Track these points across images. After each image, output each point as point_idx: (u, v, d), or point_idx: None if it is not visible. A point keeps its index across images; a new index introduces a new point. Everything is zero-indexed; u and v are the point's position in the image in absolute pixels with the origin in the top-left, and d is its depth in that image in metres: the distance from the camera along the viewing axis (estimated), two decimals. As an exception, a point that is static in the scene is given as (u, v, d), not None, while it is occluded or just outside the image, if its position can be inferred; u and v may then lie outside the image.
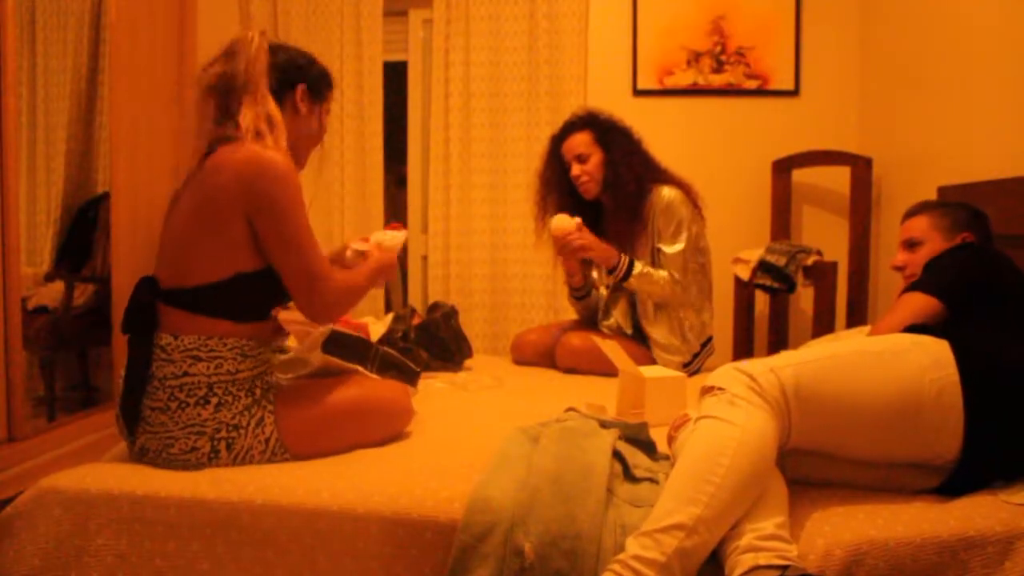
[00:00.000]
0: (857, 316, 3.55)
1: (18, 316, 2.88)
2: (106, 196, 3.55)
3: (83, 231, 3.54)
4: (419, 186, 4.27)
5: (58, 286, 3.40)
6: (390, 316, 3.20)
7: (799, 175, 3.87)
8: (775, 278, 3.46)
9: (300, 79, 1.91)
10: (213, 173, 1.73)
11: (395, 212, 4.50)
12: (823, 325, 3.40)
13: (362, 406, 1.88)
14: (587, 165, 2.93)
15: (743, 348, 3.75)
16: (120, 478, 1.63)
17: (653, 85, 4.00)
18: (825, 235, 3.87)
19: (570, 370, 2.92)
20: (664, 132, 4.00)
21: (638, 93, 4.01)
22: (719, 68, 3.97)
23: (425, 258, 4.19)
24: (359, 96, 4.12)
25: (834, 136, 3.86)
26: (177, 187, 1.85)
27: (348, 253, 2.20)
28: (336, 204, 4.14)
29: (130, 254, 3.68)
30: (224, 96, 1.80)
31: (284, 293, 1.83)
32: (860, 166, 3.59)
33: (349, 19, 4.09)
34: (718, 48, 3.97)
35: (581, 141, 2.96)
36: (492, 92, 4.04)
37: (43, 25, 3.29)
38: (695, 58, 3.98)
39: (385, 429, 1.90)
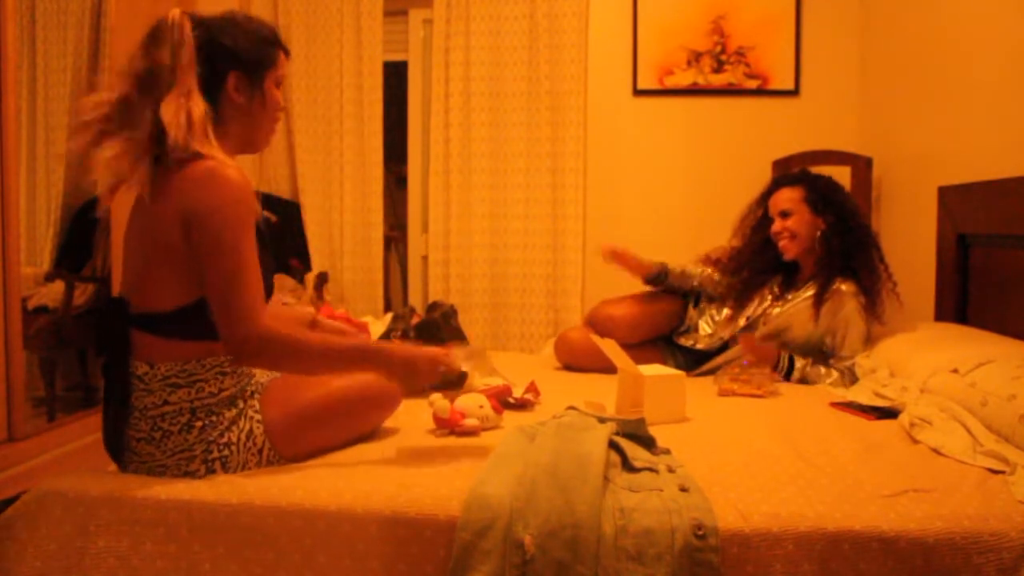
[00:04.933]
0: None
1: (18, 316, 2.89)
2: (106, 196, 3.55)
3: (83, 231, 3.54)
4: (419, 186, 4.27)
5: (58, 286, 3.40)
6: (389, 316, 3.20)
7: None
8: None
9: (229, 67, 1.66)
10: (159, 197, 1.58)
11: (395, 211, 4.51)
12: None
13: (347, 396, 1.80)
14: (788, 222, 2.82)
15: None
16: (121, 480, 1.63)
17: (653, 85, 4.00)
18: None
19: (567, 367, 2.91)
20: (664, 132, 4.02)
21: (638, 93, 4.02)
22: (719, 68, 3.97)
23: (425, 258, 4.19)
24: (359, 96, 4.12)
25: (834, 136, 3.86)
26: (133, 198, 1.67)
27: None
28: (335, 204, 4.14)
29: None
30: (148, 91, 1.59)
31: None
32: (860, 166, 3.59)
33: (349, 19, 4.09)
34: (718, 48, 3.97)
35: (788, 197, 2.85)
36: (492, 92, 4.04)
37: (43, 25, 3.29)
38: (695, 58, 3.98)
39: (374, 417, 1.85)
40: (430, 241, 4.10)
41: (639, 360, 2.22)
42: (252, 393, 1.75)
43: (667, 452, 1.68)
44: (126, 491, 1.57)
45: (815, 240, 2.78)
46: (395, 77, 4.27)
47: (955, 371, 2.02)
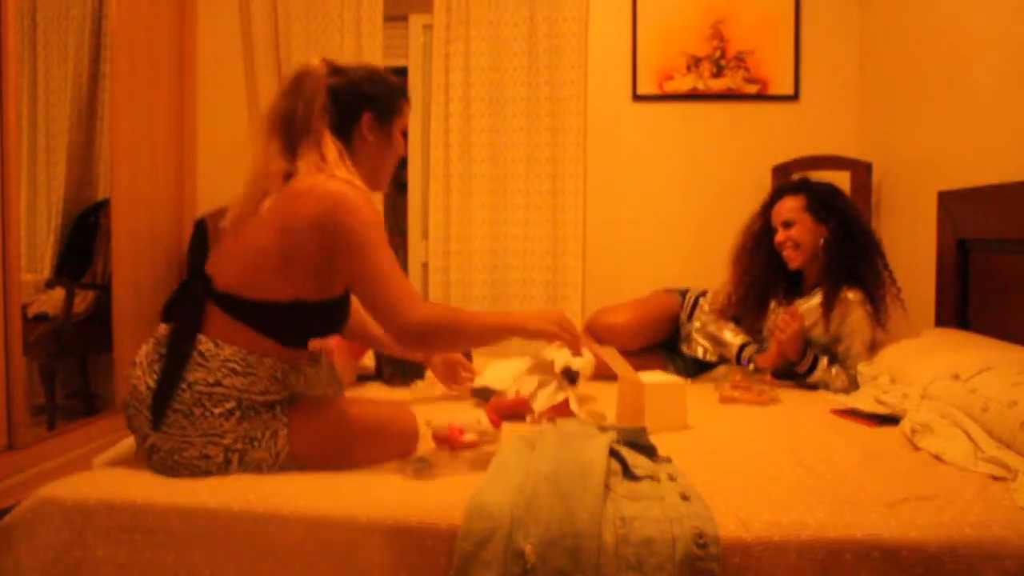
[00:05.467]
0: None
1: (18, 323, 2.89)
2: (107, 202, 3.56)
3: (83, 237, 3.55)
4: (419, 192, 4.27)
5: (59, 293, 3.41)
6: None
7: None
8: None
9: (364, 108, 1.84)
10: (293, 201, 1.72)
11: (396, 218, 4.51)
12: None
13: (375, 427, 1.84)
14: (791, 231, 2.81)
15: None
16: (119, 486, 1.63)
17: (653, 90, 4.01)
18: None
19: None
20: (664, 138, 4.03)
21: (638, 98, 4.02)
22: (719, 73, 3.98)
23: (425, 265, 4.18)
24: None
25: (834, 141, 3.86)
26: (245, 200, 1.80)
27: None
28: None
29: (131, 260, 3.70)
30: (286, 134, 1.80)
31: (333, 327, 1.89)
32: (860, 171, 3.60)
33: (349, 24, 4.09)
34: (718, 53, 3.97)
35: (791, 207, 2.84)
36: (492, 98, 4.04)
37: (44, 30, 3.30)
38: (695, 63, 3.98)
39: (395, 451, 1.84)
40: (430, 248, 4.10)
41: (640, 366, 2.22)
42: (289, 402, 1.79)
43: (668, 460, 1.68)
44: (124, 498, 1.57)
45: (819, 248, 2.78)
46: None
47: (956, 377, 2.01)
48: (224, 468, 1.69)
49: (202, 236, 3.99)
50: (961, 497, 1.53)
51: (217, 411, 1.68)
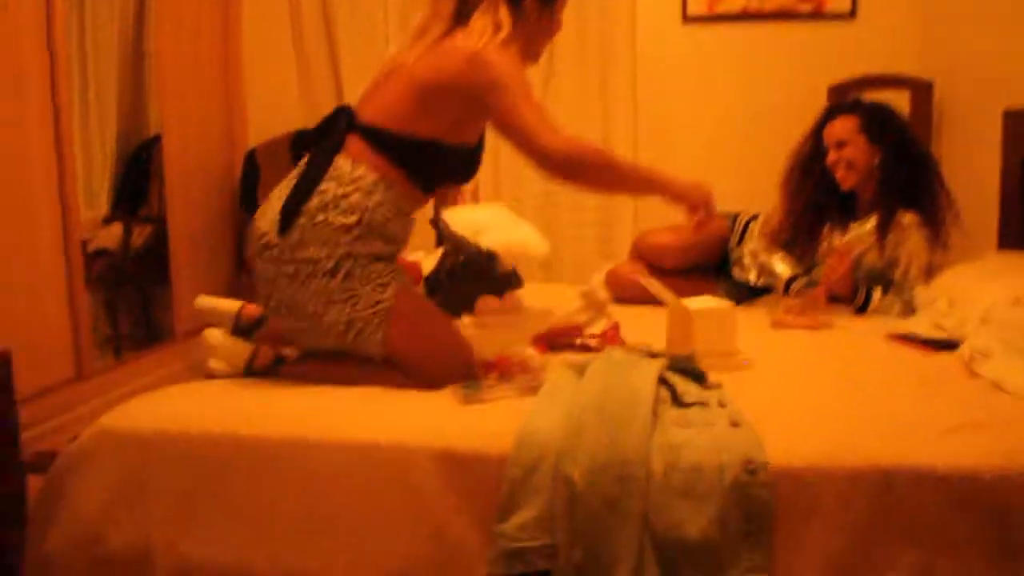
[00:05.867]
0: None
1: (79, 258, 2.97)
2: (158, 138, 3.59)
3: (138, 174, 3.59)
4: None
5: (116, 228, 3.47)
6: (440, 251, 3.18)
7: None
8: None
9: None
10: (445, 55, 1.83)
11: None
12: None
13: (457, 345, 1.92)
14: (844, 151, 2.71)
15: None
16: (175, 415, 1.68)
17: (703, 11, 3.88)
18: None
19: (619, 299, 2.87)
20: (716, 60, 3.93)
21: (688, 20, 3.90)
22: (773, -10, 3.84)
23: (476, 190, 4.17)
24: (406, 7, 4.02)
25: (893, 59, 3.71)
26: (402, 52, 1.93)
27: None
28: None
29: (184, 195, 3.74)
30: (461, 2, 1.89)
31: (463, 174, 2.02)
32: (920, 90, 3.47)
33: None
34: (772, -31, 3.83)
35: (844, 127, 2.73)
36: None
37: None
38: (748, -20, 3.85)
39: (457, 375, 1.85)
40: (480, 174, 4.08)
41: (691, 291, 2.20)
42: (396, 273, 1.87)
43: (719, 387, 1.68)
44: (180, 427, 1.62)
45: (873, 169, 2.70)
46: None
47: (1018, 301, 1.96)
48: (328, 277, 1.78)
49: (253, 168, 4.02)
50: (1018, 425, 1.50)
51: (338, 221, 1.78)
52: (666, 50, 3.95)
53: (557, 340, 2.11)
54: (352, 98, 4.00)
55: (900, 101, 3.57)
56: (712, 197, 2.02)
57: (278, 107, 4.20)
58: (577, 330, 2.15)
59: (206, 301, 2.14)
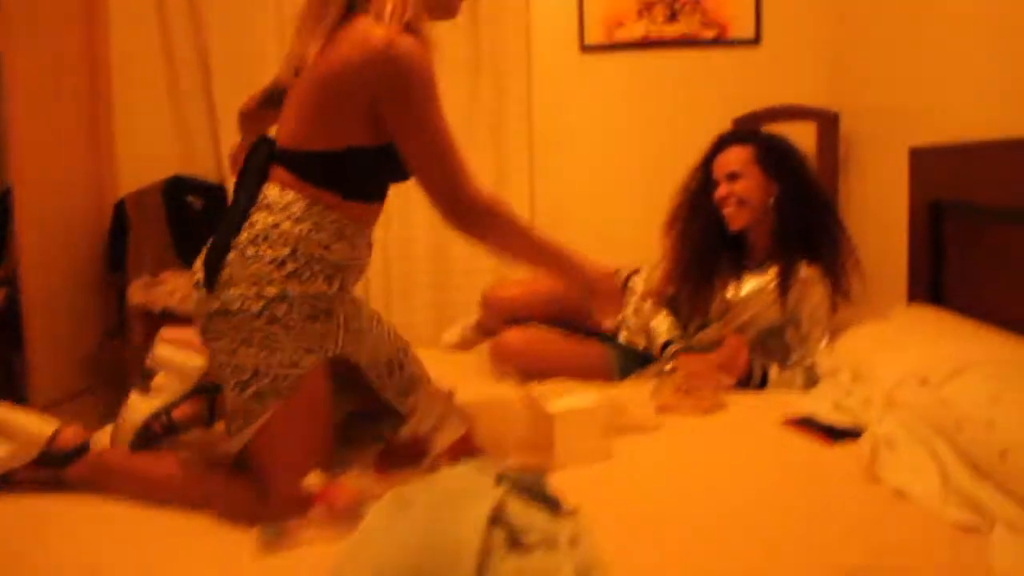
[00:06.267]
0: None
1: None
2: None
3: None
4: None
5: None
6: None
7: (762, 132, 3.55)
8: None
9: None
10: (339, 46, 1.59)
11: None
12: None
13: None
14: (736, 185, 2.44)
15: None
16: None
17: (602, 39, 3.65)
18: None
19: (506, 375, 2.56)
20: (615, 90, 3.70)
21: (586, 49, 3.67)
22: (673, 17, 3.62)
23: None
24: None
25: (799, 89, 3.53)
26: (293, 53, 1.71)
27: None
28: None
29: (42, 253, 3.39)
30: None
31: (396, 174, 1.71)
32: (826, 122, 3.27)
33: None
34: (671, -5, 3.62)
35: (737, 158, 2.46)
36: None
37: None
38: (647, 7, 3.62)
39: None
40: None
41: (581, 355, 1.96)
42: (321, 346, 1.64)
43: (574, 513, 1.40)
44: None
45: (767, 208, 2.44)
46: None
47: (925, 382, 1.73)
48: (253, 317, 1.57)
49: (122, 220, 3.69)
50: (923, 566, 1.25)
51: (270, 255, 1.59)
52: (563, 80, 3.71)
53: (399, 459, 1.79)
54: (229, 136, 3.78)
55: (806, 133, 3.38)
56: (618, 295, 1.88)
57: (153, 152, 3.86)
58: (422, 444, 1.83)
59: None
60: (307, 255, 1.61)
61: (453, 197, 1.63)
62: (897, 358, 1.93)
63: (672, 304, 2.54)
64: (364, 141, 1.64)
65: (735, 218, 2.45)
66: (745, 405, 2.12)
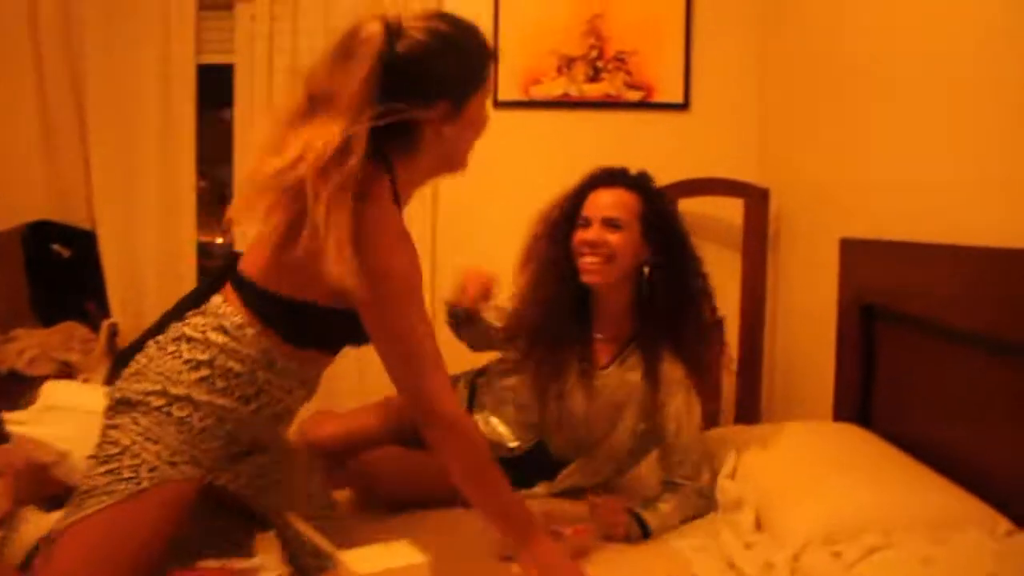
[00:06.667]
0: (748, 385, 2.95)
1: None
2: None
3: None
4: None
5: None
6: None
7: (687, 205, 3.25)
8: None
9: (440, 95, 1.46)
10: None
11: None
12: (707, 399, 2.81)
13: None
14: (612, 236, 2.01)
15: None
16: None
17: (517, 96, 3.35)
18: (718, 275, 3.25)
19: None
20: (529, 152, 3.38)
21: (499, 105, 3.35)
22: (596, 76, 3.33)
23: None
24: (167, 104, 3.42)
25: (729, 160, 3.25)
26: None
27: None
28: (140, 233, 3.43)
29: None
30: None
31: (356, 340, 1.55)
32: (755, 198, 2.99)
33: (155, 10, 3.38)
34: (594, 53, 3.33)
35: (623, 203, 2.05)
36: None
37: None
38: (567, 64, 3.34)
39: None
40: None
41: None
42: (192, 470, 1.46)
43: None
44: None
45: (631, 274, 2.03)
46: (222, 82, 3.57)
47: (838, 556, 1.39)
48: (140, 413, 1.44)
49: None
50: None
51: (188, 355, 1.47)
52: (474, 138, 3.38)
53: None
54: (101, 190, 3.40)
55: (733, 209, 3.11)
56: None
57: (14, 192, 3.47)
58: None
59: None
60: (225, 368, 1.47)
61: (414, 397, 1.47)
62: (808, 509, 1.59)
63: (513, 402, 2.14)
64: (329, 302, 1.46)
65: (596, 272, 2.01)
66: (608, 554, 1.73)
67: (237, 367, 1.48)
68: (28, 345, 3.17)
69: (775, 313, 3.02)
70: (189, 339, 1.49)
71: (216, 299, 1.54)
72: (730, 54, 3.31)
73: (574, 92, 3.34)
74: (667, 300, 2.00)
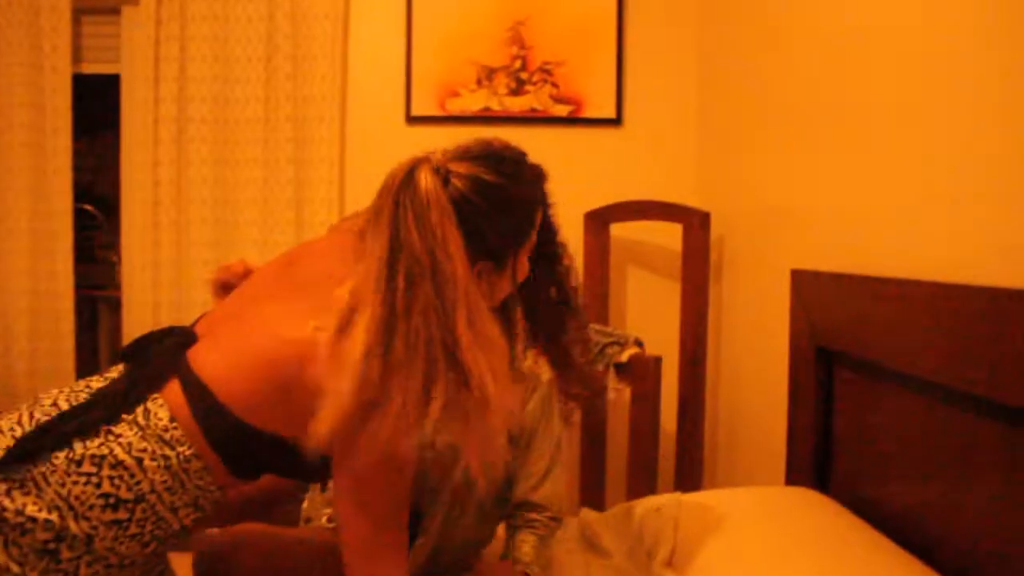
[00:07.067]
0: (689, 437, 2.64)
1: None
2: None
3: None
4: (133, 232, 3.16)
5: None
6: None
7: (620, 230, 2.95)
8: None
9: (480, 257, 1.27)
10: (307, 363, 1.18)
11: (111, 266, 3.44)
12: (643, 445, 2.49)
13: None
14: None
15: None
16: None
17: (432, 110, 3.03)
18: (656, 308, 2.96)
19: None
20: (447, 172, 3.05)
21: (412, 120, 3.05)
22: (519, 89, 3.03)
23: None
24: (40, 120, 3.02)
25: (666, 180, 2.98)
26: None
27: None
28: (5, 268, 3.01)
29: None
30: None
31: (313, 478, 1.51)
32: (695, 223, 2.69)
33: (22, 16, 3.00)
34: (518, 63, 3.02)
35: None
36: (216, 119, 3.01)
37: None
38: (488, 76, 3.02)
39: None
40: (133, 313, 3.04)
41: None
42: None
43: None
44: None
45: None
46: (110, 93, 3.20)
47: None
48: (32, 539, 1.11)
49: None
50: None
51: (106, 486, 1.14)
52: (383, 157, 2.99)
53: None
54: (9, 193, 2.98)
55: (671, 233, 2.82)
56: None
57: None
58: None
59: None
60: (150, 513, 1.18)
61: (352, 556, 1.22)
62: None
63: None
64: (293, 433, 1.19)
65: None
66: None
67: (167, 515, 1.21)
68: None
69: (718, 353, 2.72)
70: (115, 465, 1.17)
71: (158, 404, 1.21)
72: (667, 65, 3.04)
73: (495, 106, 3.03)
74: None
